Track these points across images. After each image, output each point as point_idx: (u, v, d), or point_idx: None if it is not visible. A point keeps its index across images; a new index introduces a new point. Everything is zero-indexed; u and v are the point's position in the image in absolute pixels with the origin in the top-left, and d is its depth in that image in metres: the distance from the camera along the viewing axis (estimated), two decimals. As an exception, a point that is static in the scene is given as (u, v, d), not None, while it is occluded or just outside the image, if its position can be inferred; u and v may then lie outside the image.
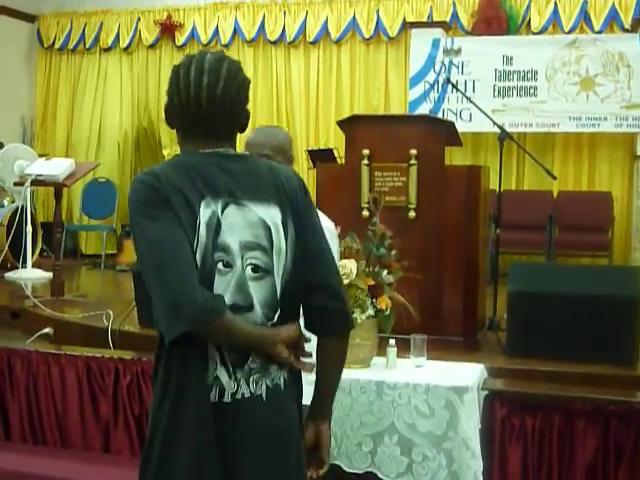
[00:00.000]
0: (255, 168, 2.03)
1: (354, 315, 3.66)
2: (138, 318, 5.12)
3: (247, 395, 1.93)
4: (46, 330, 5.38)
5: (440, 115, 8.47)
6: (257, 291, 1.94)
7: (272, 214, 1.98)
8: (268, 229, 1.97)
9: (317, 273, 2.05)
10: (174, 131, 2.05)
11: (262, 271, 1.95)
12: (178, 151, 2.07)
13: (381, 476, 3.57)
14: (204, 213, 1.89)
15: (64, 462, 4.51)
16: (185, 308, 1.81)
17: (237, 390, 1.92)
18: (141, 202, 1.89)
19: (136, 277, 5.06)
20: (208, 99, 1.95)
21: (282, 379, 1.99)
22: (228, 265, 1.91)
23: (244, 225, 1.94)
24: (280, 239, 1.98)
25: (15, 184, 7.30)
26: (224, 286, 1.90)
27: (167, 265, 1.83)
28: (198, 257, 1.87)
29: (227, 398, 1.91)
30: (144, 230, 1.88)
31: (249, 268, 1.93)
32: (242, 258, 1.92)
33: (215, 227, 1.90)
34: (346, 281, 3.67)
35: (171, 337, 1.84)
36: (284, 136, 3.22)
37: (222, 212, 1.91)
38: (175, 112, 2.00)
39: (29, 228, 7.41)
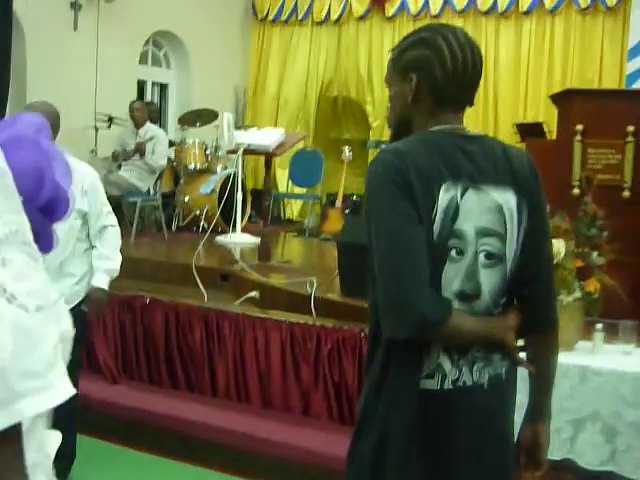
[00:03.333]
0: (491, 149, 1.97)
1: (560, 297, 3.57)
2: (340, 287, 5.21)
3: (469, 383, 1.91)
4: (253, 294, 5.56)
5: (659, 89, 8.02)
6: (488, 279, 1.90)
7: (508, 198, 1.92)
8: (503, 214, 1.91)
9: (536, 262, 1.99)
10: (378, 102, 2.03)
11: (495, 258, 1.91)
12: (382, 121, 2.06)
13: (581, 464, 3.47)
14: (443, 197, 1.83)
15: (266, 422, 4.69)
16: (409, 316, 1.78)
17: (459, 377, 1.90)
18: (382, 184, 1.84)
19: (341, 247, 5.15)
20: (473, 67, 1.93)
21: (504, 369, 1.97)
22: (461, 252, 1.86)
23: (481, 210, 1.88)
24: (514, 225, 1.93)
25: (228, 152, 7.62)
26: (454, 273, 1.86)
27: (398, 260, 1.79)
28: (434, 242, 1.83)
29: (448, 385, 1.89)
30: (380, 215, 1.84)
31: (482, 255, 1.89)
32: (476, 245, 1.88)
33: (453, 213, 1.85)
34: (554, 261, 3.57)
35: (389, 336, 1.85)
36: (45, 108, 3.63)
37: (461, 197, 1.86)
38: (433, 83, 1.93)
39: (239, 195, 7.70)
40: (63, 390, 0.90)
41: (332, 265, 5.50)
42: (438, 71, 1.91)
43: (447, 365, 1.89)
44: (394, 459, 1.89)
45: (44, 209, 1.11)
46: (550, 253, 2.07)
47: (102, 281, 4.03)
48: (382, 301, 1.82)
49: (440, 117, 1.95)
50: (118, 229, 4.14)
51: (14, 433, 0.87)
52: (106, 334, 5.35)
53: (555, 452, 3.50)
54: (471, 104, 2.01)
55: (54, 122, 3.59)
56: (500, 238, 1.91)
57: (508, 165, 1.95)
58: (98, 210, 4.01)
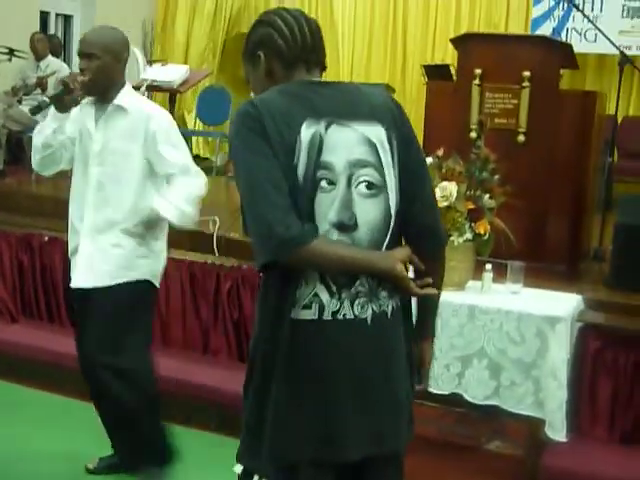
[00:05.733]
0: (350, 91, 2.07)
1: (451, 238, 3.66)
2: (243, 226, 5.22)
3: (349, 316, 1.95)
4: (155, 232, 5.53)
5: (563, 35, 8.18)
6: (368, 209, 1.96)
7: (376, 132, 1.99)
8: (374, 146, 1.98)
9: (417, 189, 2.07)
10: None
11: (376, 188, 1.97)
12: None
13: (467, 398, 3.61)
14: (306, 133, 1.92)
15: (166, 359, 4.70)
16: (266, 239, 1.85)
17: (339, 310, 1.95)
18: (239, 129, 1.94)
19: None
20: (311, 32, 2.07)
21: (390, 307, 2.02)
22: (331, 182, 1.93)
23: (350, 143, 1.96)
24: (387, 156, 2.00)
25: (133, 88, 7.46)
26: (328, 203, 1.92)
27: (253, 197, 1.88)
28: (300, 175, 1.90)
29: (327, 316, 1.94)
30: (238, 155, 1.95)
31: (363, 185, 1.96)
32: (350, 176, 1.94)
33: (318, 146, 1.92)
34: (445, 203, 3.65)
35: (257, 266, 1.90)
36: (115, 36, 3.38)
37: (325, 131, 1.94)
38: (278, 51, 2.05)
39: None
40: None
41: (237, 204, 5.48)
42: (280, 41, 2.05)
43: (325, 296, 1.94)
44: (275, 393, 1.95)
45: None
46: (429, 180, 2.14)
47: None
48: (250, 234, 1.90)
49: (294, 78, 2.05)
50: None
51: None
52: (4, 273, 5.26)
53: (444, 386, 3.64)
54: (322, 66, 2.12)
55: (123, 49, 3.40)
56: (376, 169, 1.98)
57: (370, 104, 2.04)
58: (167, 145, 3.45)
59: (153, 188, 3.38)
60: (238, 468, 2.06)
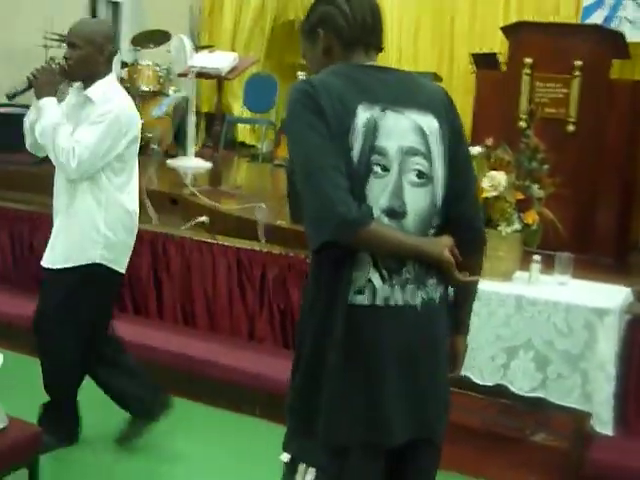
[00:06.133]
0: (406, 80, 2.08)
1: (499, 228, 3.64)
2: (290, 214, 5.23)
3: (401, 303, 1.96)
4: (202, 219, 5.57)
5: (615, 23, 8.04)
6: (416, 198, 1.97)
7: (428, 122, 2.00)
8: (425, 136, 1.99)
9: (463, 185, 2.09)
10: None
11: (425, 178, 1.98)
12: None
13: (513, 389, 3.59)
14: (361, 116, 1.92)
15: (213, 345, 4.76)
16: (326, 220, 1.84)
17: (391, 296, 1.95)
18: (296, 108, 1.94)
19: (290, 173, 5.15)
20: (372, 13, 2.08)
21: (438, 294, 2.03)
22: (385, 169, 1.93)
23: (402, 131, 1.96)
24: (438, 147, 2.01)
25: (179, 75, 7.52)
26: (380, 189, 1.93)
27: (314, 176, 1.87)
28: (355, 159, 1.90)
29: (380, 301, 1.94)
30: (295, 134, 1.94)
31: (413, 174, 1.96)
32: (401, 163, 1.95)
33: (373, 130, 1.92)
34: (494, 193, 3.63)
35: (314, 246, 1.90)
36: (98, 29, 3.51)
37: (380, 116, 1.94)
38: (338, 30, 2.05)
39: (192, 118, 7.63)
40: None
41: (283, 191, 5.49)
42: (341, 20, 2.05)
43: (377, 281, 1.94)
44: (327, 378, 1.95)
45: None
46: (474, 176, 2.16)
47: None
48: (307, 214, 1.89)
49: (352, 59, 2.06)
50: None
51: None
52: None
53: (489, 378, 3.62)
54: (379, 49, 2.12)
55: (105, 41, 3.49)
56: (426, 158, 1.99)
57: (424, 94, 2.06)
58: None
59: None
60: (285, 457, 2.06)
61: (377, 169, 1.92)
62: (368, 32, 2.07)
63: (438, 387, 2.07)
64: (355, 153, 1.91)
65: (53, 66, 3.48)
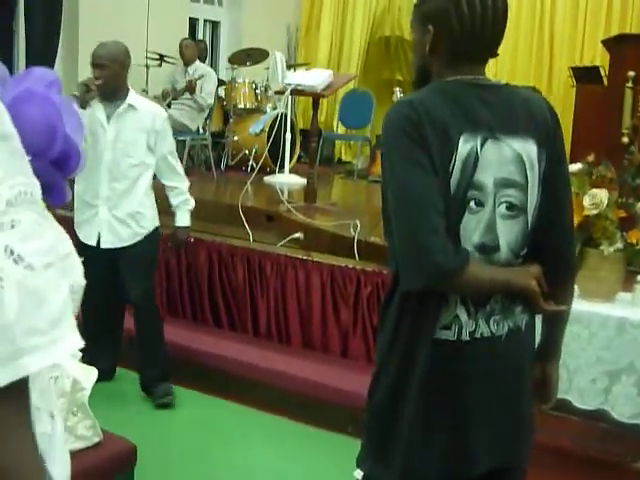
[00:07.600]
0: (510, 98, 1.95)
1: (601, 247, 3.53)
2: (384, 231, 5.20)
3: (487, 335, 1.91)
4: (297, 235, 5.59)
5: None
6: (508, 230, 1.90)
7: (528, 149, 1.91)
8: (523, 164, 1.90)
9: (558, 214, 2.01)
10: None
11: (517, 209, 1.90)
12: None
13: (614, 415, 3.47)
14: (462, 149, 1.82)
15: (307, 362, 4.76)
16: (423, 266, 1.77)
17: (475, 329, 1.90)
18: (395, 134, 1.83)
19: (384, 191, 5.13)
20: (494, 20, 1.89)
21: (524, 321, 1.98)
22: (480, 204, 1.85)
23: (501, 161, 1.87)
24: (534, 175, 1.92)
25: (276, 92, 7.59)
26: (473, 225, 1.86)
27: (412, 211, 1.78)
28: (451, 193, 1.82)
29: (465, 336, 1.90)
30: (393, 165, 1.83)
31: (503, 206, 1.88)
32: (495, 196, 1.86)
33: (473, 164, 1.83)
34: (595, 211, 3.53)
35: (406, 288, 1.85)
36: (119, 49, 4.21)
37: (481, 148, 1.84)
38: (450, 33, 1.90)
39: (288, 135, 7.68)
40: (69, 344, 0.92)
41: (378, 208, 5.47)
42: (456, 25, 1.88)
43: (464, 316, 1.89)
44: (409, 411, 1.91)
45: (56, 162, 1.13)
46: (570, 202, 2.06)
47: (186, 219, 4.54)
48: (399, 252, 1.83)
49: (457, 68, 1.92)
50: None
51: (20, 387, 0.89)
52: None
53: (589, 402, 3.51)
54: (493, 56, 1.99)
55: (126, 58, 4.22)
56: (521, 189, 1.90)
57: (529, 114, 1.94)
58: (168, 149, 4.38)
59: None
60: (358, 473, 2.05)
61: (472, 204, 1.85)
62: (482, 45, 1.92)
63: (523, 414, 2.02)
64: (452, 187, 1.82)
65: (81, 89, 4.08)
